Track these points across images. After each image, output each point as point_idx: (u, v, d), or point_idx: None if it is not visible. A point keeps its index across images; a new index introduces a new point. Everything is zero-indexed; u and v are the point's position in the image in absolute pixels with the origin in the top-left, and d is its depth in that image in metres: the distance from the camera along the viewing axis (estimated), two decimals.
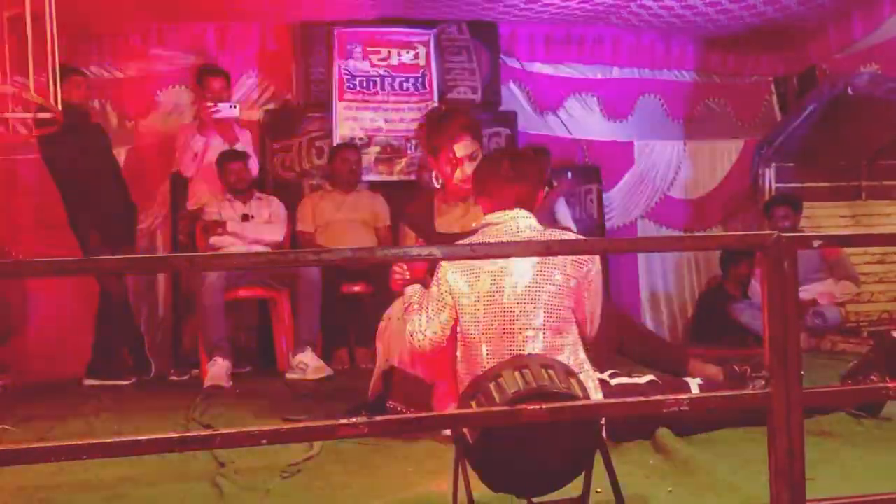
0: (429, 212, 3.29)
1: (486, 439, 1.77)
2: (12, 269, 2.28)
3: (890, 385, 1.77)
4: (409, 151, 5.64)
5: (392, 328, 3.02)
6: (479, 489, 1.85)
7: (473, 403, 1.81)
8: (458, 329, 2.52)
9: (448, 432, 2.26)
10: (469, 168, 3.10)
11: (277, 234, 4.89)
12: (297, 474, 2.40)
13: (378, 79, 5.64)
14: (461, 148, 3.13)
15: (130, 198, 4.92)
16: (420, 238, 3.26)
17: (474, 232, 2.63)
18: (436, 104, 5.61)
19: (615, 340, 3.20)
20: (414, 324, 2.60)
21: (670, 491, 2.12)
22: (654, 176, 6.23)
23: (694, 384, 2.82)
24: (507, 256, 2.32)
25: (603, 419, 2.13)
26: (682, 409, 1.72)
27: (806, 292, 5.13)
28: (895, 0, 5.10)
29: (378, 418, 1.62)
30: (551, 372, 1.82)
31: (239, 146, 5.03)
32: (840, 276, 5.34)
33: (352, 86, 5.59)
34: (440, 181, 3.32)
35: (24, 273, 2.11)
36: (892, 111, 4.89)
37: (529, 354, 2.24)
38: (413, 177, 5.53)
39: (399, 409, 2.93)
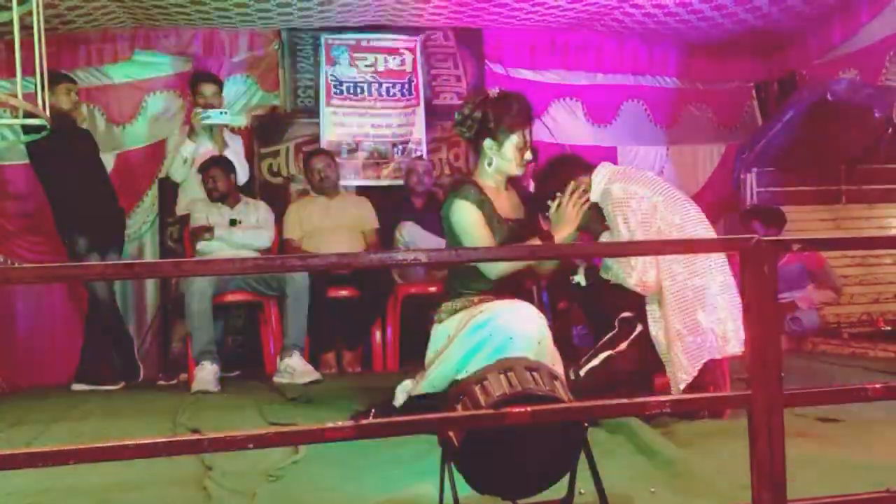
0: (486, 197, 3.09)
1: (472, 442, 1.80)
2: (0, 277, 2.29)
3: (868, 386, 1.80)
4: (395, 156, 5.68)
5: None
6: (465, 491, 1.88)
7: (459, 406, 1.84)
8: None
9: None
10: (530, 155, 3.09)
11: (265, 239, 4.90)
12: (284, 477, 2.42)
13: (365, 84, 5.68)
14: (530, 133, 3.09)
15: (118, 203, 4.92)
16: (489, 224, 3.05)
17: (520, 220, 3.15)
18: (422, 108, 5.65)
19: None
20: None
21: (653, 492, 2.15)
22: None
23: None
24: (494, 260, 2.34)
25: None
26: (664, 410, 1.76)
27: (786, 298, 5.19)
28: (872, 7, 5.18)
29: (364, 421, 1.65)
30: (536, 375, 1.85)
31: (228, 152, 5.04)
32: (823, 287, 5.40)
33: (339, 91, 5.63)
34: (492, 166, 3.10)
35: (13, 280, 2.12)
36: (870, 116, 4.96)
37: (515, 357, 2.27)
38: (401, 181, 5.56)
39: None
